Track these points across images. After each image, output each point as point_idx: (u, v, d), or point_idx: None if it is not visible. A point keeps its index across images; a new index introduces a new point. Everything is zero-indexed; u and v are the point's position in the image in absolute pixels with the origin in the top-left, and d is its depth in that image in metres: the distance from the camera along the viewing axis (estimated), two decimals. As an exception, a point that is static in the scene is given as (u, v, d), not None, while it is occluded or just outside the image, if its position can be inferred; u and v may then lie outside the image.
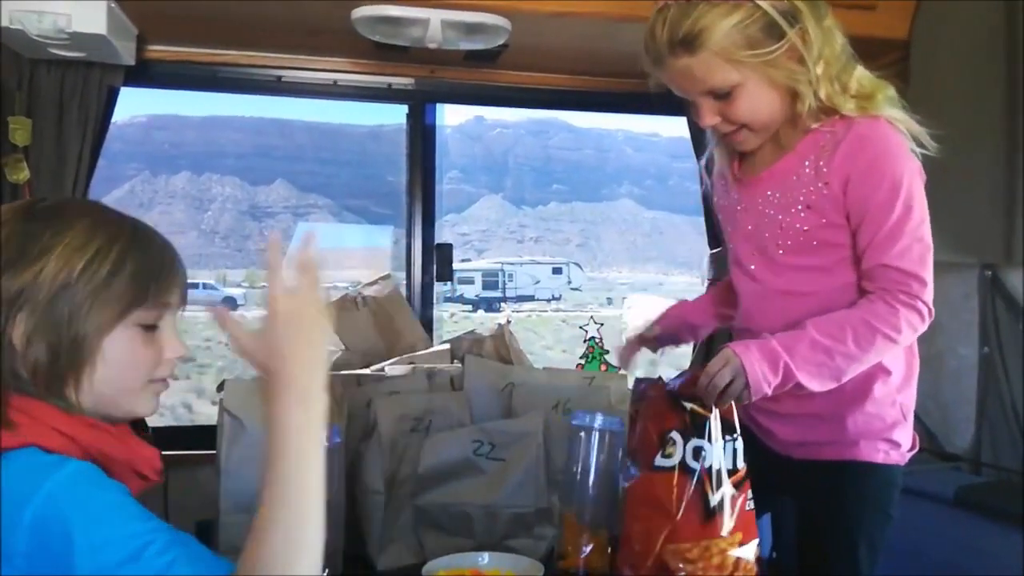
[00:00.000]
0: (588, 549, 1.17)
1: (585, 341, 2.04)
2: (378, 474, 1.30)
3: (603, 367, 2.03)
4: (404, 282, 2.11)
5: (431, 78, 2.01)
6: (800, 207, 1.15)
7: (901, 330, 1.09)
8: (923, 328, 1.12)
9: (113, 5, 1.52)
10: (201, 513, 1.36)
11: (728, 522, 1.04)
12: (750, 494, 1.07)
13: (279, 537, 0.71)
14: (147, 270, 0.84)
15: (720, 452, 1.05)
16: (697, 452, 1.05)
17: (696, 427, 1.06)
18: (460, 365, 1.54)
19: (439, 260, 2.09)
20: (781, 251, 1.18)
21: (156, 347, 0.87)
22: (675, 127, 2.10)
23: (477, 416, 1.43)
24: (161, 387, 0.90)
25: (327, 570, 1.03)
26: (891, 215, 1.10)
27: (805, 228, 1.15)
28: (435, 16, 1.58)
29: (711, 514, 1.03)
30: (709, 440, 1.05)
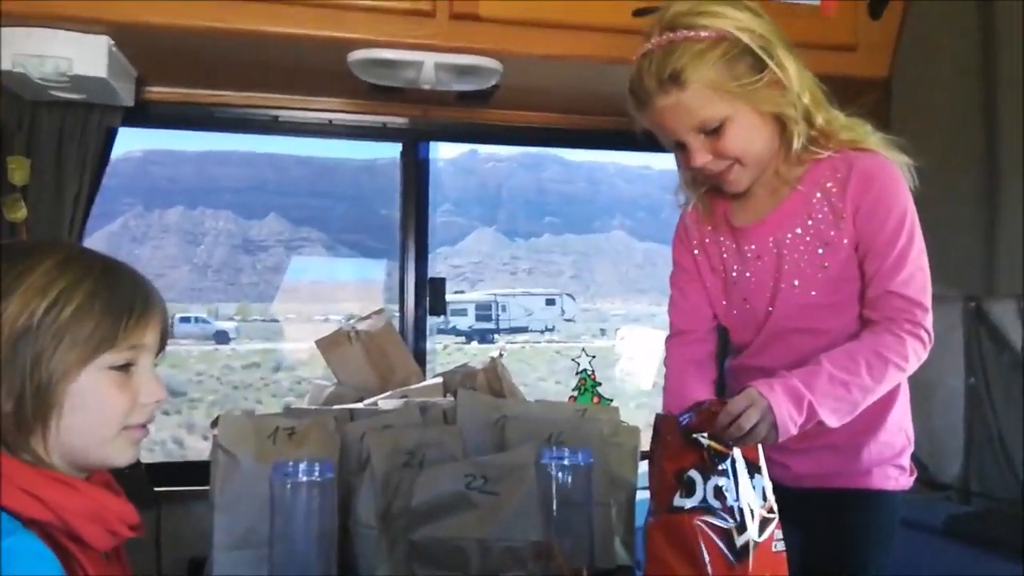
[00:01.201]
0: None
1: (577, 373, 2.05)
2: (371, 508, 1.30)
3: (595, 399, 2.04)
4: (397, 316, 2.13)
5: (425, 117, 2.06)
6: (820, 246, 1.18)
7: (909, 359, 1.12)
8: (925, 355, 1.15)
9: (113, 49, 1.56)
10: (194, 549, 1.36)
11: (757, 565, 0.99)
12: (779, 534, 1.03)
13: None
14: (117, 310, 0.80)
15: (746, 492, 1.02)
16: (718, 491, 1.01)
17: (716, 465, 1.02)
18: (453, 399, 1.55)
19: (432, 294, 2.11)
20: (798, 290, 1.20)
21: (131, 391, 0.83)
22: (666, 160, 2.13)
23: (470, 449, 1.43)
24: (139, 434, 0.85)
25: (321, 606, 1.04)
26: (897, 245, 1.14)
27: (825, 265, 1.18)
28: (428, 59, 1.62)
29: (738, 556, 0.99)
30: (731, 479, 1.01)
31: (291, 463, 1.06)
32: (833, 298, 1.19)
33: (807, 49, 1.22)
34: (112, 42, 1.54)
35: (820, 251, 1.18)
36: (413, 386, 1.72)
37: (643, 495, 1.51)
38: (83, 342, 0.79)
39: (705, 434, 1.03)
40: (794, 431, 1.06)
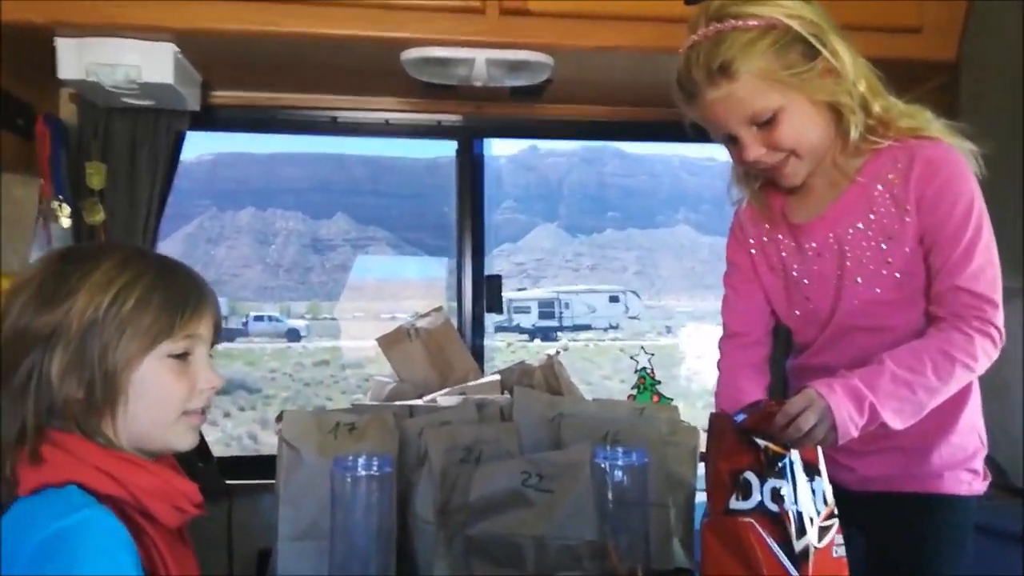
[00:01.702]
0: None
1: (636, 371, 2.03)
2: (429, 504, 1.32)
3: (655, 398, 2.01)
4: (456, 313, 2.15)
5: (478, 114, 2.07)
6: (883, 240, 1.14)
7: (978, 358, 1.07)
8: (996, 354, 1.09)
9: (179, 56, 1.61)
10: (263, 540, 1.40)
11: (816, 571, 0.96)
12: (840, 539, 1.00)
13: None
14: (173, 303, 0.87)
15: (805, 495, 0.98)
16: (776, 494, 0.98)
17: (773, 467, 0.99)
18: (510, 396, 1.56)
19: (489, 291, 2.12)
20: (862, 287, 1.16)
21: (189, 379, 0.89)
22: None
23: (526, 447, 1.44)
24: (197, 420, 0.91)
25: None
26: (964, 237, 1.08)
27: (889, 260, 1.14)
28: (480, 56, 1.63)
29: (796, 562, 0.95)
30: (789, 481, 0.98)
31: (351, 457, 1.08)
32: (898, 294, 1.14)
33: (869, 32, 1.19)
34: (177, 49, 1.60)
35: (883, 246, 1.14)
36: (471, 383, 1.74)
37: (703, 496, 1.48)
38: (143, 333, 0.85)
39: (762, 435, 1.00)
40: (855, 433, 1.02)
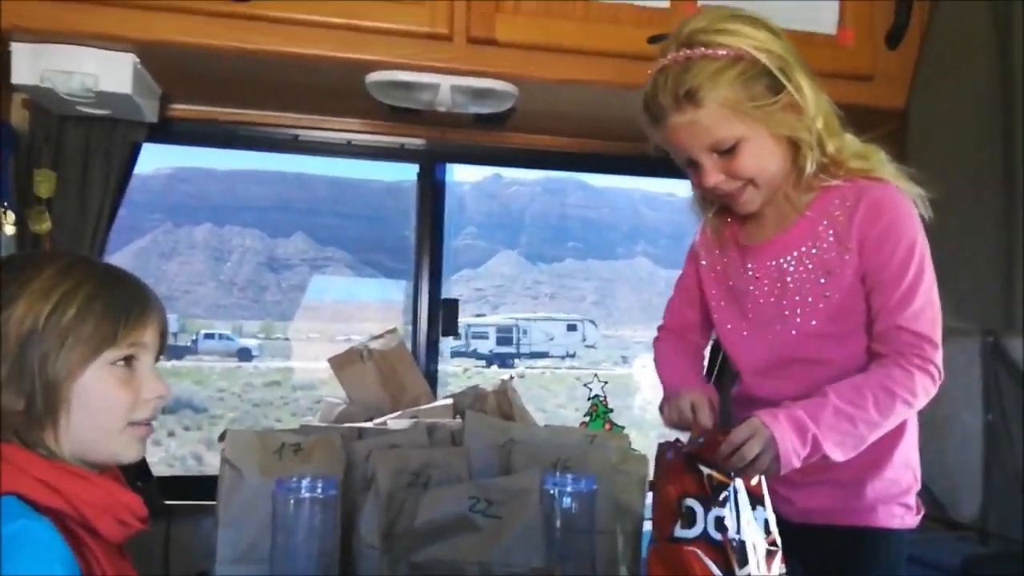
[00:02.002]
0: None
1: (589, 399, 2.04)
2: (374, 528, 1.30)
3: (607, 426, 2.02)
4: (411, 336, 2.13)
5: (442, 139, 2.08)
6: (823, 275, 1.16)
7: (917, 395, 1.09)
8: (935, 391, 1.12)
9: (139, 66, 1.59)
10: (202, 563, 1.36)
11: None
12: (782, 569, 1.02)
13: None
14: (116, 310, 0.85)
15: (748, 524, 1.00)
16: (719, 523, 0.99)
17: (717, 495, 1.00)
18: (462, 420, 1.55)
19: (446, 315, 2.12)
20: (800, 318, 1.18)
21: (133, 388, 0.87)
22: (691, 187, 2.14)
23: (476, 472, 1.43)
24: (143, 431, 0.90)
25: (318, 625, 1.04)
26: (906, 278, 1.11)
27: (827, 294, 1.16)
28: (444, 82, 1.64)
29: None
30: (733, 510, 1.00)
31: (294, 479, 1.06)
32: (835, 328, 1.17)
33: (823, 78, 1.20)
34: (137, 60, 1.57)
35: (822, 280, 1.17)
36: (423, 407, 1.72)
37: (650, 524, 1.49)
38: (85, 341, 0.83)
39: (707, 463, 1.02)
40: (797, 464, 1.04)
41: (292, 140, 2.04)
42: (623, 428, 1.95)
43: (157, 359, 0.92)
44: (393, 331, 1.91)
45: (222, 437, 1.28)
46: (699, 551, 0.98)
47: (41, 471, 0.80)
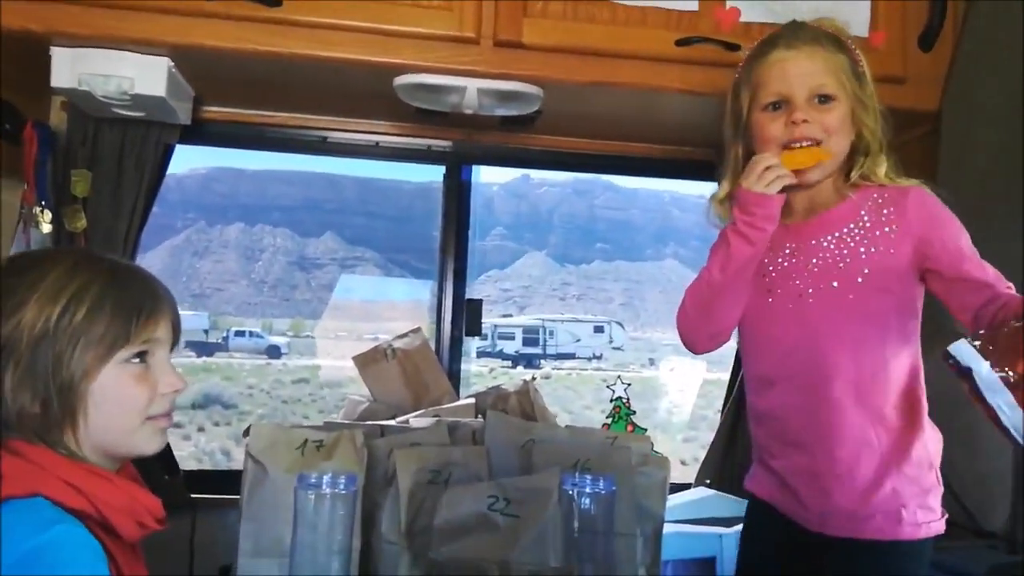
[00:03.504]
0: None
1: (612, 400, 2.04)
2: (394, 525, 1.31)
3: (629, 427, 2.02)
4: (435, 336, 2.15)
5: (468, 141, 2.09)
6: (863, 251, 1.20)
7: None
8: None
9: (173, 70, 1.63)
10: (226, 557, 1.39)
11: None
12: None
13: None
14: (127, 307, 0.84)
15: None
16: None
17: None
18: (483, 419, 1.56)
19: (469, 315, 2.13)
20: (827, 301, 1.21)
21: (149, 383, 0.86)
22: (721, 191, 2.13)
23: (496, 471, 1.44)
24: (164, 422, 0.89)
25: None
26: (968, 250, 1.18)
27: (860, 277, 1.20)
28: (471, 85, 1.66)
29: None
30: None
31: (315, 475, 1.08)
32: (857, 324, 1.18)
33: None
34: (172, 63, 1.61)
35: (863, 256, 1.20)
36: (445, 406, 1.74)
37: (670, 527, 1.49)
38: (98, 341, 0.82)
39: None
40: None
41: (321, 142, 2.07)
42: (646, 430, 1.95)
43: (171, 351, 0.91)
44: (417, 330, 1.93)
45: (246, 432, 1.30)
46: None
47: (65, 472, 0.80)
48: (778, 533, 1.23)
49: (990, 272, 1.16)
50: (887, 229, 1.19)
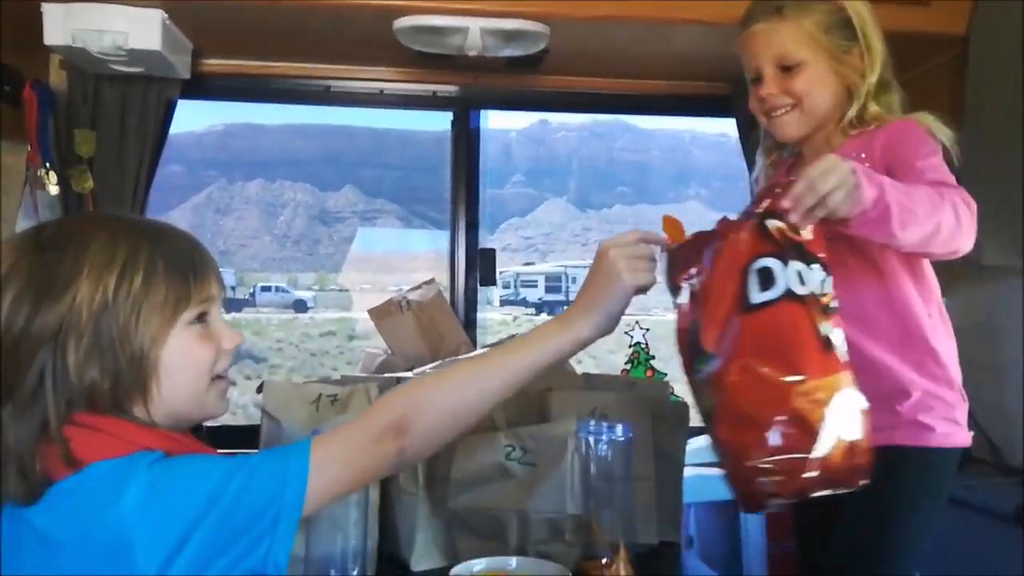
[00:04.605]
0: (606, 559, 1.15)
1: (630, 346, 2.02)
2: (411, 475, 1.31)
3: (648, 373, 2.01)
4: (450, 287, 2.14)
5: (475, 85, 2.04)
6: None
7: (959, 209, 1.06)
8: (971, 221, 1.07)
9: (168, 22, 1.59)
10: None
11: (842, 356, 0.88)
12: (841, 335, 0.91)
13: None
14: (180, 267, 0.81)
15: (818, 277, 0.89)
16: (800, 277, 0.88)
17: (794, 248, 0.89)
18: (499, 369, 1.54)
19: (483, 264, 2.10)
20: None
21: (213, 341, 0.84)
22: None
23: (514, 421, 1.43)
24: (225, 384, 0.87)
25: (357, 569, 1.06)
26: (925, 158, 1.13)
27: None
28: (474, 24, 1.60)
29: (827, 345, 0.87)
30: (807, 263, 0.89)
31: (330, 429, 1.07)
32: (846, 262, 1.16)
33: (876, 3, 1.22)
34: (166, 16, 1.57)
35: None
36: (461, 356, 1.72)
37: (690, 471, 1.48)
38: (162, 306, 0.79)
39: (776, 215, 0.92)
40: (869, 203, 0.97)
41: (324, 91, 2.03)
42: (665, 375, 1.93)
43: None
44: (431, 282, 1.91)
45: (260, 389, 1.30)
46: (788, 307, 0.87)
47: (146, 439, 0.77)
48: None
49: (928, 171, 1.11)
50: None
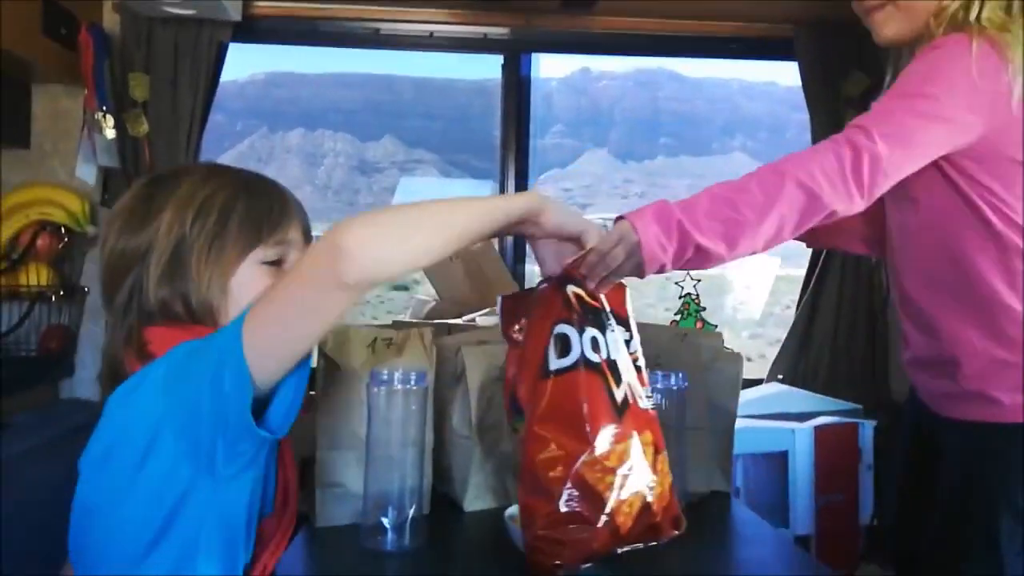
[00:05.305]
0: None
1: (680, 297, 2.00)
2: (465, 420, 1.32)
3: (699, 324, 1.98)
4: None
5: (527, 27, 1.99)
6: None
7: (814, 174, 0.95)
8: (847, 183, 0.96)
9: (220, -38, 1.57)
10: (307, 449, 1.44)
11: (633, 422, 0.89)
12: (646, 391, 0.93)
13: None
14: (258, 210, 0.89)
15: (614, 344, 0.90)
16: (594, 344, 0.89)
17: (588, 315, 0.90)
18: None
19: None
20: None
21: None
22: (794, 75, 1.98)
23: (564, 367, 1.43)
24: None
25: (414, 507, 1.08)
26: (899, 91, 1.02)
27: None
28: (528, -41, 1.55)
29: (620, 412, 0.88)
30: (603, 331, 0.90)
31: (387, 371, 1.08)
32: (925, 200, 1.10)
33: None
34: (218, -45, 1.55)
35: None
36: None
37: (743, 422, 1.47)
38: (233, 241, 0.87)
39: (575, 282, 0.92)
40: (666, 260, 0.92)
41: (374, 34, 2.00)
42: (715, 327, 1.91)
43: None
44: (481, 228, 1.90)
45: (317, 331, 1.31)
46: (583, 376, 0.87)
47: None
48: (915, 415, 1.22)
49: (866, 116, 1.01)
50: None
